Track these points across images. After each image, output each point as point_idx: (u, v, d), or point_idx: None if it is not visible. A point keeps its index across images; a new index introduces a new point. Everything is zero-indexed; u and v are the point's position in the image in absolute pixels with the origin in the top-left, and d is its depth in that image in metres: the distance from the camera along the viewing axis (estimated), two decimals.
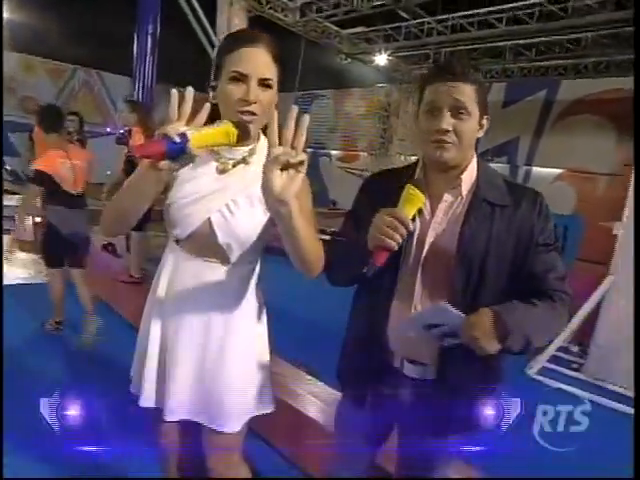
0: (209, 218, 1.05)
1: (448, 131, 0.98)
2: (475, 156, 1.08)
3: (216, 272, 1.10)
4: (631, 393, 3.14)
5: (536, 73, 8.73)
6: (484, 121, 1.04)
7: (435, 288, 1.05)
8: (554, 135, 8.54)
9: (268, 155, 0.80)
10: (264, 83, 0.98)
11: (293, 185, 0.80)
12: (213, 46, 6.56)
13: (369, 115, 11.40)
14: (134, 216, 0.98)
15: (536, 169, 8.82)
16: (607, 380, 3.24)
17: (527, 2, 6.22)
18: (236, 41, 1.00)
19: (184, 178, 1.05)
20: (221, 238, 1.06)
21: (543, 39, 7.37)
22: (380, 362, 1.11)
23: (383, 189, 1.08)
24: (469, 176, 1.06)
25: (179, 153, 0.77)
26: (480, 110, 1.01)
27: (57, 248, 3.07)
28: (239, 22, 6.84)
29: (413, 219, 0.98)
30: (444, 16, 7.20)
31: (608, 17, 5.77)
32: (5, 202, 6.63)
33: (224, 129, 0.84)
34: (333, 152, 12.46)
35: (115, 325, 3.29)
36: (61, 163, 2.95)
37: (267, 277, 1.28)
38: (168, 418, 1.12)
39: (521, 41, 7.63)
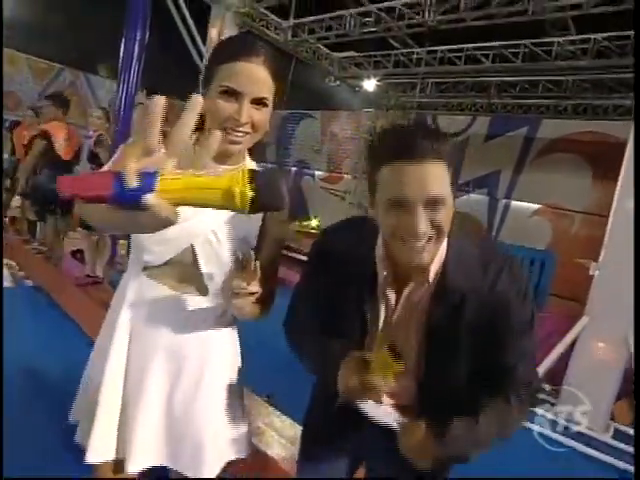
0: (192, 245, 0.94)
1: (425, 232, 0.77)
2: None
3: (190, 303, 0.98)
4: (599, 435, 3.11)
5: (519, 110, 8.97)
6: (452, 198, 0.83)
7: (406, 376, 0.95)
8: (533, 171, 8.74)
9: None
10: (259, 102, 0.89)
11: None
12: (202, 57, 6.51)
13: (355, 138, 11.49)
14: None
15: (515, 203, 8.98)
16: (576, 421, 3.20)
17: (513, 42, 6.40)
18: (231, 51, 0.89)
19: None
20: (204, 267, 0.95)
21: (527, 78, 7.60)
22: (347, 416, 1.01)
23: (341, 258, 0.94)
24: (437, 262, 0.88)
25: (131, 204, 0.46)
26: (452, 191, 0.81)
27: (46, 201, 3.95)
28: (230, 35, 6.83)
29: (376, 299, 0.93)
30: (433, 48, 7.35)
31: (589, 64, 5.97)
32: None
33: (227, 182, 0.48)
34: (317, 172, 12.47)
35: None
36: (61, 132, 3.94)
37: None
38: (131, 469, 0.95)
39: (506, 78, 7.85)
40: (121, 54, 5.97)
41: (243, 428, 1.09)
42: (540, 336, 4.10)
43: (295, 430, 1.92)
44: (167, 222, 0.47)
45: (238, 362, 1.13)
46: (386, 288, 0.92)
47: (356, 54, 8.58)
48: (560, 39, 5.85)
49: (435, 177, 0.76)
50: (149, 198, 0.44)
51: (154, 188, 0.45)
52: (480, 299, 0.85)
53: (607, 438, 3.09)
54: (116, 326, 0.99)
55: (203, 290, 0.99)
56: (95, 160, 3.57)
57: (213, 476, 1.02)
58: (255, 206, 0.46)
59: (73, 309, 3.47)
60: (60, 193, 0.46)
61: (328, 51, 8.46)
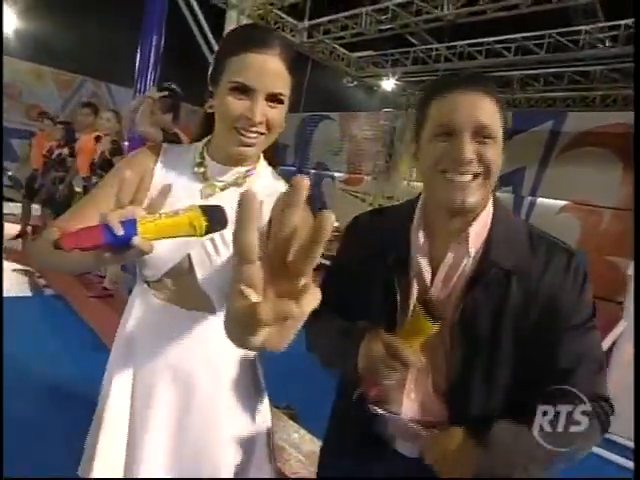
0: (188, 254, 0.85)
1: (471, 161, 0.72)
2: (491, 200, 0.82)
3: (199, 322, 0.88)
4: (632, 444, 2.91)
5: (543, 104, 8.68)
6: (503, 154, 0.78)
7: (429, 373, 0.82)
8: (560, 166, 8.45)
9: None
10: (274, 99, 0.79)
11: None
12: None
13: (374, 139, 11.36)
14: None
15: (541, 200, 8.69)
16: (615, 432, 3.00)
17: (537, 32, 6.18)
18: (242, 41, 0.78)
19: (157, 203, 0.73)
20: (201, 277, 0.85)
21: (552, 70, 7.34)
22: (370, 437, 0.88)
23: (374, 237, 0.85)
24: (481, 227, 0.78)
25: (122, 247, 0.58)
26: (504, 135, 0.76)
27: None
28: None
29: (407, 275, 0.80)
30: (452, 43, 7.18)
31: (618, 52, 5.71)
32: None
33: (187, 219, 0.60)
34: (337, 174, 12.39)
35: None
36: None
37: None
38: None
39: (529, 71, 7.60)
40: (137, 60, 6.04)
41: (263, 463, 0.96)
42: None
43: (314, 445, 1.83)
44: (146, 254, 0.60)
45: (261, 393, 0.99)
46: (420, 262, 0.80)
47: (374, 53, 8.47)
48: (587, 27, 5.61)
49: (485, 108, 0.72)
50: (135, 240, 0.58)
51: (136, 232, 0.58)
52: (528, 283, 0.74)
53: None
54: (122, 345, 0.92)
55: (205, 303, 0.89)
56: (107, 168, 3.53)
57: None
58: (208, 231, 0.62)
59: (92, 318, 3.47)
60: (63, 248, 0.56)
61: (345, 51, 8.37)
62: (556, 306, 0.74)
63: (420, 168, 0.80)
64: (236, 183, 0.87)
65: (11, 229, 5.47)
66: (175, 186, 0.74)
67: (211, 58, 6.66)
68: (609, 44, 5.65)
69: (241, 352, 0.92)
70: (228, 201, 0.82)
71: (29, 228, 5.52)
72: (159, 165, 0.88)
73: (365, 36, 6.99)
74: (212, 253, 0.85)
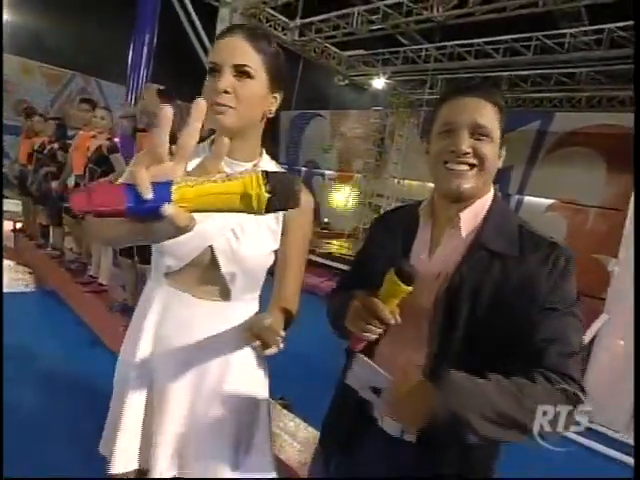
0: (211, 245, 0.90)
1: (467, 153, 0.84)
2: (492, 193, 0.93)
3: (214, 311, 0.95)
4: (625, 438, 3.03)
5: (530, 104, 8.85)
6: (503, 151, 0.90)
7: (422, 336, 0.90)
8: (546, 166, 8.61)
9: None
10: (240, 70, 0.85)
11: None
12: None
13: (365, 137, 11.44)
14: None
15: (528, 198, 8.85)
16: (600, 423, 3.12)
17: (524, 35, 6.30)
18: (218, 36, 0.90)
19: None
20: (224, 267, 0.91)
21: (539, 71, 7.49)
22: (361, 412, 0.97)
23: (391, 231, 0.98)
24: (473, 215, 0.89)
25: (150, 217, 0.45)
26: (501, 136, 0.87)
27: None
28: None
29: (408, 251, 0.93)
30: (442, 43, 7.29)
31: (603, 54, 5.85)
32: None
33: (242, 185, 0.46)
34: (327, 172, 12.46)
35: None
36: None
37: None
38: (156, 476, 0.92)
39: (517, 72, 7.74)
40: (130, 57, 6.04)
41: (266, 447, 1.02)
42: None
43: (308, 433, 1.90)
44: (185, 230, 0.46)
45: (262, 377, 1.05)
46: (420, 243, 0.94)
47: (364, 52, 8.55)
48: (573, 30, 5.75)
49: (482, 111, 0.85)
50: (168, 208, 0.43)
51: (171, 198, 0.44)
52: (509, 267, 0.83)
53: (630, 439, 3.01)
54: (140, 336, 0.96)
55: (225, 294, 0.95)
56: (103, 164, 3.52)
57: None
58: (270, 207, 0.47)
59: (87, 314, 3.50)
60: (75, 210, 0.44)
61: (336, 50, 8.44)
62: (533, 289, 0.81)
63: (429, 161, 0.92)
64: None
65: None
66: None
67: (203, 55, 6.67)
68: (594, 47, 5.79)
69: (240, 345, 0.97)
70: None
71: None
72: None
73: (356, 36, 7.06)
74: (234, 244, 0.91)
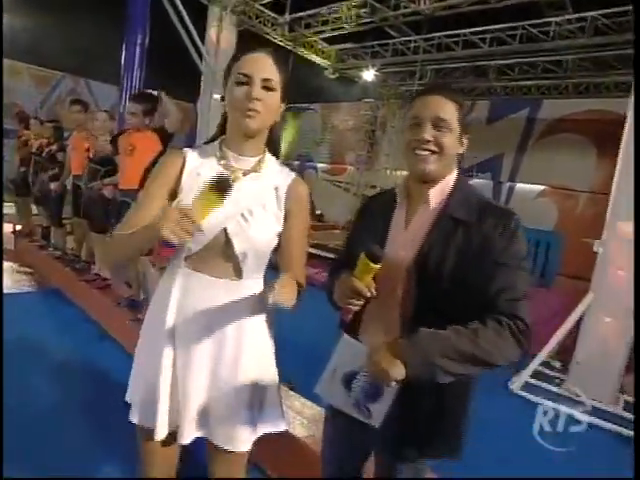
0: (225, 228, 1.04)
1: (429, 141, 1.02)
2: (455, 173, 1.11)
3: (229, 287, 1.09)
4: (610, 407, 3.19)
5: (519, 92, 8.97)
6: (464, 139, 1.08)
7: (393, 303, 1.07)
8: (537, 152, 8.74)
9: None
10: (267, 85, 1.02)
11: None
12: (202, 58, 6.58)
13: (356, 129, 11.52)
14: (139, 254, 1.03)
15: (520, 185, 8.99)
16: (587, 396, 3.28)
17: (510, 24, 6.41)
18: (241, 52, 1.06)
19: (191, 187, 1.03)
20: (237, 247, 1.05)
21: (525, 60, 7.60)
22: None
23: (373, 214, 1.14)
24: (439, 191, 1.08)
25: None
26: (460, 128, 1.05)
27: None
28: (229, 35, 6.89)
29: (387, 225, 1.11)
30: (430, 35, 7.37)
31: (587, 42, 5.97)
32: None
33: (205, 195, 0.87)
34: (319, 165, 12.54)
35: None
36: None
37: None
38: (183, 441, 1.08)
39: (504, 61, 7.85)
40: (122, 58, 6.08)
41: (278, 404, 1.18)
42: (547, 314, 4.18)
43: (314, 410, 2.03)
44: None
45: (271, 346, 1.19)
46: (397, 217, 1.12)
47: (354, 45, 8.61)
48: (557, 19, 5.86)
49: (443, 107, 1.03)
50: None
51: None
52: (472, 230, 1.01)
53: (618, 410, 3.17)
54: (166, 314, 1.08)
55: (238, 273, 1.08)
56: (106, 164, 3.58)
57: (248, 448, 1.12)
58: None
59: (94, 310, 3.60)
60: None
61: (325, 44, 8.50)
62: (489, 248, 0.99)
63: (403, 148, 1.10)
64: (255, 170, 1.09)
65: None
66: (204, 177, 1.00)
67: (194, 53, 6.72)
68: (578, 35, 5.91)
69: (259, 310, 1.13)
70: (251, 186, 1.09)
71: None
72: (189, 163, 1.09)
73: (345, 30, 7.13)
74: (245, 226, 1.05)
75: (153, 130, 3.00)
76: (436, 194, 1.07)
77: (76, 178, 4.15)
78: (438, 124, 1.02)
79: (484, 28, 6.75)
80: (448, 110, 1.03)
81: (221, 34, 6.61)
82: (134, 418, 1.12)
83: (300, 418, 1.99)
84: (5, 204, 6.91)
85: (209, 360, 1.08)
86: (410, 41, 7.78)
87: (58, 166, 4.39)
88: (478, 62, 7.99)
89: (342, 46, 8.64)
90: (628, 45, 5.59)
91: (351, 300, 1.00)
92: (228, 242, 1.05)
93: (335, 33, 7.43)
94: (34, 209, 5.36)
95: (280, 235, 1.12)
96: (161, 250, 0.92)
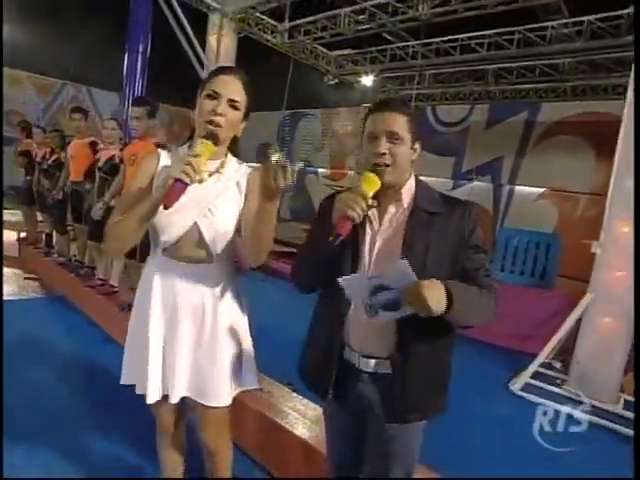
0: (196, 222, 1.23)
1: (384, 154, 1.13)
2: (413, 175, 1.24)
3: (203, 270, 1.28)
4: (610, 407, 3.21)
5: (517, 95, 9.02)
6: (416, 146, 1.19)
7: None
8: (536, 155, 8.75)
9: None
10: (232, 104, 1.20)
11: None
12: (203, 66, 6.65)
13: (355, 134, 11.58)
14: (140, 233, 1.20)
15: (519, 188, 9.02)
16: (587, 396, 3.30)
17: (507, 29, 6.48)
18: (216, 71, 1.24)
19: (163, 182, 1.18)
20: (207, 237, 1.24)
21: (523, 63, 7.67)
22: (338, 360, 1.23)
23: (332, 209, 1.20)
24: (408, 190, 1.21)
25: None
26: (412, 137, 1.17)
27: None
28: (229, 42, 6.97)
29: (363, 226, 1.18)
30: (428, 40, 7.45)
31: (584, 45, 6.03)
32: None
33: (204, 146, 1.12)
34: (320, 170, 12.59)
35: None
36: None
37: (253, 296, 1.46)
38: (173, 400, 1.29)
39: (502, 65, 7.92)
40: (125, 67, 6.15)
41: (252, 366, 1.40)
42: (547, 314, 4.21)
43: (317, 412, 2.05)
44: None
45: (244, 317, 1.41)
46: (370, 215, 1.20)
47: (353, 51, 8.70)
48: (553, 23, 5.92)
49: (395, 121, 1.14)
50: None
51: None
52: (443, 220, 1.17)
53: (618, 409, 3.19)
54: (151, 296, 1.28)
55: (210, 258, 1.28)
56: (115, 173, 3.60)
57: (229, 402, 1.34)
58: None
59: (98, 315, 3.64)
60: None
61: (325, 50, 8.58)
62: (459, 234, 1.17)
63: (362, 161, 1.25)
64: (218, 170, 1.27)
65: (6, 236, 5.56)
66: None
67: (195, 60, 6.79)
68: (575, 38, 5.97)
69: (231, 287, 1.35)
70: (215, 185, 1.26)
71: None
72: (161, 162, 1.28)
73: (344, 36, 7.20)
74: (212, 218, 1.24)
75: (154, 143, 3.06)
76: (406, 193, 1.21)
77: (75, 184, 4.20)
78: (391, 137, 1.14)
79: (482, 33, 6.82)
80: (399, 124, 1.14)
81: (221, 41, 6.69)
82: (139, 390, 1.32)
83: (303, 419, 2.02)
84: (10, 212, 7.00)
85: (191, 332, 1.29)
86: (408, 46, 7.86)
87: (63, 173, 4.44)
88: (476, 66, 8.06)
89: (341, 52, 8.73)
90: (624, 48, 5.66)
91: (353, 203, 1.06)
92: (199, 233, 1.24)
93: (334, 39, 7.50)
94: (39, 217, 5.41)
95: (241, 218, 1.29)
96: (341, 227, 1.02)
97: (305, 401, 2.18)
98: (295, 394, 2.25)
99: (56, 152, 4.67)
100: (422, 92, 9.39)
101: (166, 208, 1.06)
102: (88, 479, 1.92)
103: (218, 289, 1.31)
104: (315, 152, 12.62)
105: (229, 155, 1.32)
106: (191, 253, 1.26)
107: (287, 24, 7.31)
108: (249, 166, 1.35)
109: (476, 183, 9.10)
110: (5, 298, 4.06)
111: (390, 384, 1.17)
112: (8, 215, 6.94)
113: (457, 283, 1.07)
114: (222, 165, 1.28)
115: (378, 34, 7.49)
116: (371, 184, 1.12)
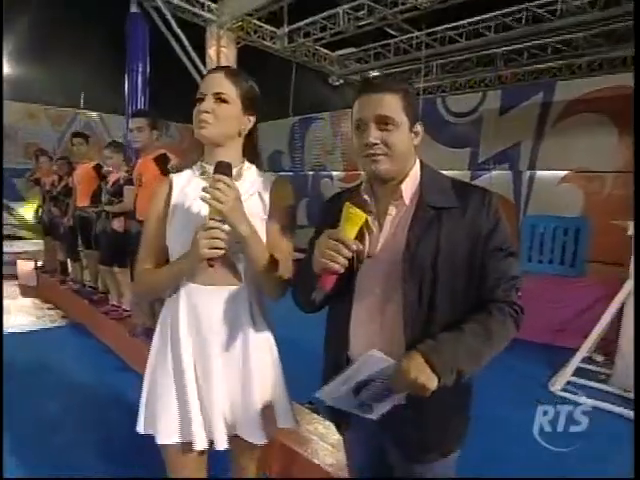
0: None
1: (376, 144, 0.96)
2: (417, 163, 1.05)
3: (231, 295, 1.15)
4: None
5: (530, 77, 8.68)
6: (417, 128, 1.01)
7: (392, 303, 0.99)
8: (555, 137, 8.39)
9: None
10: (219, 97, 1.10)
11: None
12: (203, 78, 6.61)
13: None
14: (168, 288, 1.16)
15: (540, 173, 8.66)
16: (626, 389, 3.03)
17: (514, 8, 6.21)
18: (203, 76, 1.16)
19: (177, 204, 1.15)
20: (232, 255, 1.10)
21: (534, 42, 7.36)
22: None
23: (336, 211, 1.01)
24: (410, 184, 1.02)
25: None
26: (409, 118, 0.98)
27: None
28: (229, 53, 6.92)
29: (361, 238, 0.95)
30: (432, 29, 7.23)
31: (598, 16, 5.72)
32: (7, 248, 6.70)
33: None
34: (334, 173, 12.45)
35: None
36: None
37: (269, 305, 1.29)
38: (221, 446, 1.14)
39: (511, 47, 7.63)
40: (126, 87, 6.16)
41: (286, 403, 1.23)
42: (582, 304, 3.93)
43: (339, 436, 1.89)
44: None
45: (274, 344, 1.24)
46: (369, 214, 0.99)
47: (355, 49, 8.54)
48: None
49: (385, 103, 0.95)
50: None
51: None
52: (456, 216, 0.96)
53: None
54: (179, 332, 1.15)
55: (238, 277, 1.14)
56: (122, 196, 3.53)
57: (266, 441, 1.19)
58: None
59: (114, 342, 3.57)
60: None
61: (327, 51, 8.46)
62: (479, 232, 0.96)
63: (354, 152, 1.03)
64: (236, 179, 1.12)
65: (25, 266, 5.60)
66: (191, 193, 1.14)
67: (196, 74, 6.75)
68: (588, 9, 5.66)
69: (260, 312, 1.20)
70: None
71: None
72: (175, 185, 1.18)
73: (345, 34, 7.06)
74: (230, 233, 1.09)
75: (153, 158, 2.96)
76: (408, 188, 1.02)
77: (82, 210, 4.17)
78: (383, 123, 0.95)
79: (487, 15, 6.57)
80: (391, 105, 0.96)
81: (221, 53, 6.63)
82: (163, 439, 1.15)
83: (323, 444, 1.86)
84: (30, 241, 7.09)
85: (224, 367, 1.15)
86: (412, 38, 7.66)
87: (71, 200, 4.42)
88: (484, 51, 7.79)
89: (344, 51, 8.58)
90: None
91: (334, 254, 0.88)
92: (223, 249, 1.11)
93: (335, 39, 7.36)
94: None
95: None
96: (325, 282, 0.88)
97: (327, 423, 2.01)
98: (316, 415, 2.09)
99: (64, 179, 4.66)
100: (430, 84, 9.14)
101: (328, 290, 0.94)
102: (88, 479, 1.91)
103: (247, 316, 1.17)
104: (327, 155, 12.49)
105: (246, 163, 1.21)
106: (218, 275, 1.13)
107: (286, 28, 7.23)
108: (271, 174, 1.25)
109: (494, 172, 8.78)
110: (25, 329, 4.10)
111: (406, 418, 1.00)
112: (29, 245, 7.04)
113: (445, 342, 0.89)
114: (239, 173, 1.17)
115: (379, 29, 7.32)
116: (353, 222, 0.90)
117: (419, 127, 1.01)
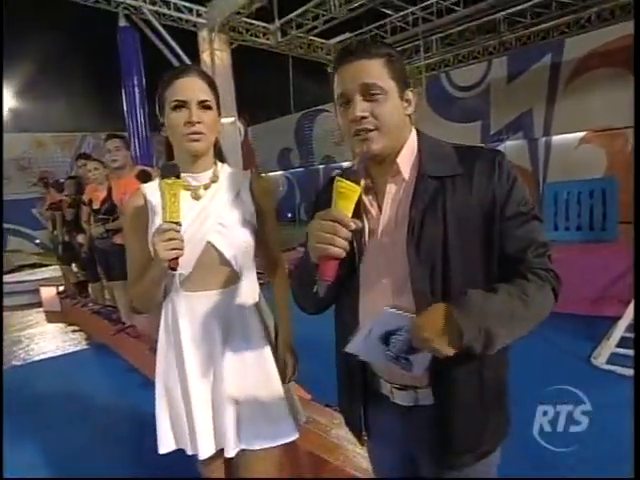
0: (208, 241, 1.10)
1: (365, 117, 0.84)
2: (414, 132, 0.94)
3: (228, 295, 1.14)
4: None
5: (536, 39, 8.31)
6: (408, 95, 0.89)
7: (402, 294, 0.88)
8: (569, 98, 8.05)
9: None
10: (204, 105, 1.07)
11: None
12: None
13: None
14: (160, 289, 1.11)
15: (557, 137, 8.32)
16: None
17: None
18: (170, 76, 1.08)
19: (155, 214, 1.10)
20: (227, 254, 1.11)
21: (536, 0, 7.02)
22: (369, 391, 0.99)
23: (329, 195, 0.90)
24: (408, 157, 0.91)
25: None
26: (398, 84, 0.87)
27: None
28: (223, 56, 6.83)
29: (358, 215, 0.85)
30: (426, 2, 6.99)
31: None
32: (31, 277, 6.80)
33: (171, 188, 0.95)
34: (344, 164, 12.30)
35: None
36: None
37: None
38: (230, 454, 1.14)
39: (513, 9, 7.31)
40: (124, 102, 6.14)
41: (284, 414, 1.20)
42: (619, 270, 3.69)
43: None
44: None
45: (274, 366, 1.22)
46: (365, 199, 0.93)
47: (350, 34, 8.35)
48: None
49: (368, 71, 0.84)
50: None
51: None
52: (462, 183, 0.85)
53: None
54: (181, 345, 1.13)
55: (234, 278, 1.14)
56: (114, 212, 3.49)
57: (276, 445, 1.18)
58: None
59: (135, 359, 3.54)
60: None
61: (322, 40, 8.30)
62: (492, 199, 0.84)
63: (343, 134, 0.92)
64: (213, 181, 1.14)
65: (48, 292, 5.66)
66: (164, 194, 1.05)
67: None
68: None
69: (255, 315, 1.20)
70: (214, 199, 1.13)
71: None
72: (148, 197, 1.13)
73: (338, 19, 6.89)
74: (225, 232, 1.11)
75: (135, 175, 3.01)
76: (405, 161, 0.90)
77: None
78: (368, 92, 0.84)
79: None
80: (374, 71, 0.84)
81: (215, 56, 6.55)
82: (192, 451, 1.16)
83: (354, 448, 1.74)
84: (51, 268, 7.19)
85: (231, 373, 1.14)
86: (408, 14, 7.42)
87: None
88: (485, 17, 7.48)
89: (339, 38, 8.40)
90: None
91: (332, 236, 0.76)
92: (217, 252, 1.11)
93: (328, 25, 7.20)
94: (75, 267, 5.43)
95: (256, 231, 1.18)
96: (325, 272, 0.77)
97: None
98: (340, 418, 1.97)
99: (76, 201, 4.63)
100: (433, 60, 8.87)
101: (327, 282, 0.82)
102: (88, 479, 1.94)
103: (244, 316, 1.17)
104: (335, 147, 12.35)
105: (219, 163, 1.20)
106: (213, 279, 1.13)
107: (277, 22, 7.10)
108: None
109: (508, 143, 8.47)
110: (50, 355, 4.14)
111: (435, 419, 0.90)
112: (50, 271, 7.13)
113: (472, 298, 0.77)
114: (215, 174, 1.16)
115: (373, 10, 7.11)
116: (346, 197, 0.79)
117: (410, 94, 0.90)
